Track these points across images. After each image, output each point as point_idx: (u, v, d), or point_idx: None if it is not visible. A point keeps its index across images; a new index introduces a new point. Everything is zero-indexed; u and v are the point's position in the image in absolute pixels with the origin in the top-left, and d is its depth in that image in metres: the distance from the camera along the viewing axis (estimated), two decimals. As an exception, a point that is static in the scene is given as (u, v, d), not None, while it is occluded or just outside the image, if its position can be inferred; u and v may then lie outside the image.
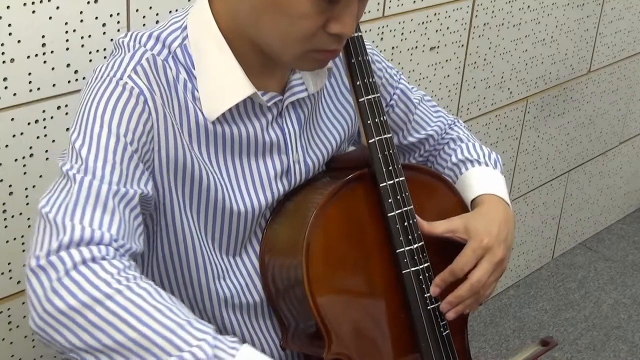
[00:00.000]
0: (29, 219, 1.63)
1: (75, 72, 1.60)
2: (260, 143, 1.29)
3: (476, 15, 2.39)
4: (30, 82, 1.55)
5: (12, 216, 1.61)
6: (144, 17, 1.66)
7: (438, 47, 2.33)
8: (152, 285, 1.06)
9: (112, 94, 1.15)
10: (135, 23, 1.65)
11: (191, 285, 1.29)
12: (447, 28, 2.33)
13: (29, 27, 1.51)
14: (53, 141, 1.61)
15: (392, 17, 2.16)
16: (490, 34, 2.47)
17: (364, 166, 1.33)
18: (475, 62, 2.47)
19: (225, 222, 1.28)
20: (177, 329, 1.02)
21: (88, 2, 1.57)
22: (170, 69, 1.21)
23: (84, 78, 1.60)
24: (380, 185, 1.31)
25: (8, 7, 1.47)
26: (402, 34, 2.20)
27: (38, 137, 1.59)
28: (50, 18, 1.53)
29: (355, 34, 1.32)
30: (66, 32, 1.56)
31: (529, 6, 2.56)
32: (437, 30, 2.30)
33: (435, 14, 2.27)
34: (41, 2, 1.51)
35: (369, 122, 1.32)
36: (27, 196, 1.61)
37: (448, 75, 2.41)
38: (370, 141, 1.32)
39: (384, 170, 1.31)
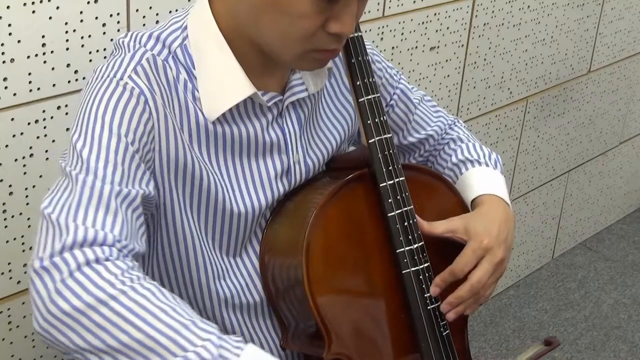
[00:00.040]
0: (29, 219, 1.63)
1: (75, 72, 1.60)
2: (260, 143, 1.29)
3: (476, 15, 2.39)
4: (30, 82, 1.55)
5: (12, 216, 1.61)
6: (144, 17, 1.66)
7: (438, 47, 2.33)
8: (155, 285, 1.06)
9: (112, 94, 1.15)
10: (135, 23, 1.65)
11: (191, 285, 1.29)
12: (447, 28, 2.33)
13: (29, 27, 1.51)
14: (53, 141, 1.61)
15: (392, 17, 2.16)
16: (490, 34, 2.47)
17: (364, 166, 1.33)
18: (475, 62, 2.47)
19: (225, 222, 1.28)
20: (182, 329, 1.02)
21: (88, 2, 1.57)
22: (170, 69, 1.21)
23: (84, 78, 1.60)
24: (380, 185, 1.31)
25: (8, 7, 1.47)
26: (402, 34, 2.20)
27: (38, 137, 1.59)
28: (50, 18, 1.53)
29: (355, 34, 1.32)
30: (66, 32, 1.56)
31: (529, 6, 2.56)
32: (437, 30, 2.30)
33: (435, 14, 2.27)
34: (41, 2, 1.51)
35: (369, 122, 1.32)
36: (27, 196, 1.61)
37: (448, 75, 2.41)
38: (370, 141, 1.32)
39: (384, 170, 1.31)
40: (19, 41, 1.50)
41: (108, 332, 1.01)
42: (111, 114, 1.14)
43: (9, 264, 1.64)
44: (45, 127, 1.59)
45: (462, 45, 2.40)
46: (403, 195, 1.32)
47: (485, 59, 2.50)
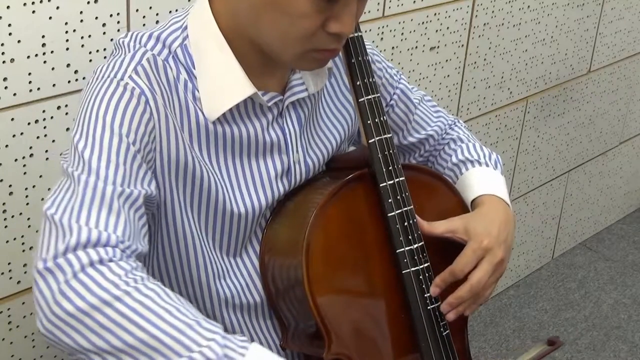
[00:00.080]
0: (29, 219, 1.63)
1: (75, 72, 1.60)
2: (260, 143, 1.29)
3: (476, 15, 2.39)
4: (30, 82, 1.55)
5: (12, 216, 1.61)
6: (144, 17, 1.66)
7: (438, 47, 2.33)
8: (159, 286, 1.06)
9: (113, 95, 1.15)
10: (135, 23, 1.65)
11: (191, 285, 1.29)
12: (447, 28, 2.33)
13: (29, 27, 1.51)
14: (53, 141, 1.61)
15: (392, 17, 2.16)
16: (490, 34, 2.47)
17: (364, 166, 1.33)
18: (475, 62, 2.47)
19: (225, 223, 1.28)
20: (186, 329, 1.02)
21: (88, 2, 1.57)
22: (170, 69, 1.21)
23: (84, 78, 1.60)
24: (380, 185, 1.31)
25: (8, 7, 1.47)
26: (402, 34, 2.20)
27: (38, 137, 1.59)
28: (50, 18, 1.53)
29: (355, 34, 1.32)
30: (66, 32, 1.56)
31: (529, 6, 2.56)
32: (437, 30, 2.30)
33: (435, 14, 2.27)
34: (41, 2, 1.50)
35: (369, 122, 1.32)
36: (27, 196, 1.61)
37: (448, 75, 2.41)
38: (370, 141, 1.32)
39: (384, 170, 1.31)
40: (19, 41, 1.50)
41: (112, 333, 1.01)
42: (112, 114, 1.14)
43: (9, 264, 1.64)
44: (45, 127, 1.59)
45: (462, 45, 2.40)
46: (403, 195, 1.32)
47: (485, 59, 2.50)
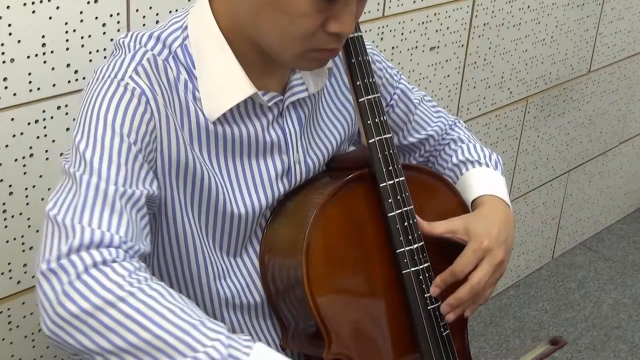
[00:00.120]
0: (29, 219, 1.63)
1: (75, 72, 1.60)
2: (261, 143, 1.29)
3: (476, 15, 2.39)
4: (30, 82, 1.55)
5: (12, 216, 1.61)
6: (144, 17, 1.66)
7: (438, 47, 2.33)
8: (163, 286, 1.06)
9: (114, 95, 1.15)
10: (135, 23, 1.65)
11: (192, 285, 1.29)
12: (447, 28, 2.33)
13: (29, 27, 1.51)
14: (53, 141, 1.61)
15: (392, 17, 2.16)
16: (490, 34, 2.47)
17: (364, 166, 1.33)
18: (475, 62, 2.47)
19: (225, 223, 1.28)
20: (191, 329, 1.02)
21: (88, 2, 1.57)
22: (171, 69, 1.21)
23: (84, 78, 1.60)
24: (380, 185, 1.31)
25: (8, 7, 1.47)
26: (402, 34, 2.20)
27: (38, 137, 1.59)
28: (50, 18, 1.53)
29: (355, 34, 1.32)
30: (66, 32, 1.56)
31: (529, 6, 2.56)
32: (437, 30, 2.30)
33: (435, 14, 2.27)
34: (41, 2, 1.50)
35: (369, 122, 1.32)
36: (27, 196, 1.61)
37: (448, 75, 2.41)
38: (370, 141, 1.32)
39: (384, 170, 1.31)
40: (19, 41, 1.50)
41: (117, 334, 1.01)
42: (113, 114, 1.14)
43: (9, 264, 1.64)
44: (45, 127, 1.59)
45: (462, 45, 2.40)
46: (403, 195, 1.32)
47: (485, 59, 2.50)
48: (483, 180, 1.44)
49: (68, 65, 1.58)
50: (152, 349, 1.01)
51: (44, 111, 1.58)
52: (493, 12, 2.44)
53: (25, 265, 1.65)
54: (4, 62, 1.50)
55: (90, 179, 1.10)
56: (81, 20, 1.57)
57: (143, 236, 1.13)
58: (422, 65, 2.30)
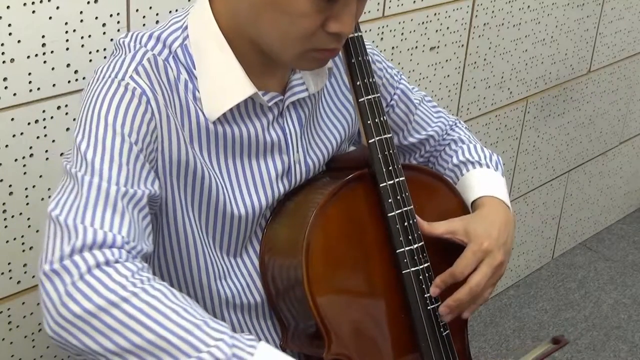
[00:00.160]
0: (29, 219, 1.63)
1: (75, 72, 1.60)
2: (261, 143, 1.29)
3: (476, 15, 2.39)
4: (30, 82, 1.55)
5: (12, 216, 1.61)
6: (144, 17, 1.66)
7: (438, 47, 2.33)
8: (166, 286, 1.06)
9: (114, 95, 1.15)
10: (135, 23, 1.65)
11: (192, 285, 1.29)
12: (447, 28, 2.33)
13: (29, 27, 1.51)
14: (53, 141, 1.61)
15: (392, 17, 2.16)
16: (490, 34, 2.47)
17: (364, 166, 1.33)
18: (475, 62, 2.47)
19: (226, 223, 1.28)
20: (194, 329, 1.02)
21: (88, 2, 1.57)
22: (171, 69, 1.21)
23: (84, 78, 1.60)
24: (380, 185, 1.31)
25: (8, 7, 1.47)
26: (402, 34, 2.20)
27: (38, 137, 1.59)
28: (50, 18, 1.53)
29: (355, 34, 1.32)
30: (66, 32, 1.56)
31: (529, 6, 2.56)
32: (437, 30, 2.30)
33: (435, 14, 2.27)
34: (41, 2, 1.50)
35: (369, 122, 1.32)
36: (27, 196, 1.61)
37: (448, 75, 2.41)
38: (370, 141, 1.32)
39: (384, 170, 1.31)
40: (19, 41, 1.50)
41: (120, 334, 1.01)
42: (114, 114, 1.14)
43: (9, 264, 1.64)
44: (45, 127, 1.59)
45: (462, 45, 2.40)
46: (403, 195, 1.32)
47: (485, 59, 2.50)
48: (483, 181, 1.44)
49: (68, 65, 1.58)
50: (156, 349, 1.01)
51: (44, 111, 1.58)
52: (493, 12, 2.44)
53: (25, 265, 1.65)
54: (4, 62, 1.50)
55: (92, 180, 1.10)
56: (81, 20, 1.57)
57: (145, 236, 1.13)
58: (422, 65, 2.30)
